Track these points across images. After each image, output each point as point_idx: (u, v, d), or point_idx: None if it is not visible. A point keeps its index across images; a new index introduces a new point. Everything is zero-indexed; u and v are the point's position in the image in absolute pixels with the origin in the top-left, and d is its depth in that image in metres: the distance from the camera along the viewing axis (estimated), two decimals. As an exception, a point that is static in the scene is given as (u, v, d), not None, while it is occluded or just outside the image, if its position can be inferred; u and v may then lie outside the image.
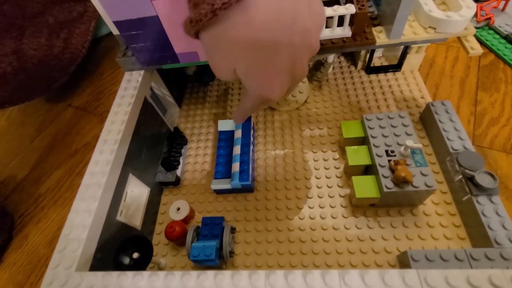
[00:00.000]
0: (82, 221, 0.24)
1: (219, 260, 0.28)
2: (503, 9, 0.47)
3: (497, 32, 0.46)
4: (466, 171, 0.28)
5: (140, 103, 0.33)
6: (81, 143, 0.47)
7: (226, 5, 0.16)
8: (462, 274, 0.18)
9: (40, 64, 0.47)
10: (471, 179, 0.28)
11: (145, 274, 0.20)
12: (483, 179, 0.27)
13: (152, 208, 0.34)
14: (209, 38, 0.19)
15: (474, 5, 0.27)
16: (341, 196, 0.33)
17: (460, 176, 0.29)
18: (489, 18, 0.46)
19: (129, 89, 0.32)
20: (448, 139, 0.31)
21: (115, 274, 0.21)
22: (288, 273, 0.19)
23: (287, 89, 0.22)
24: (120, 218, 0.28)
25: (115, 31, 0.30)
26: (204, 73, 0.46)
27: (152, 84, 0.37)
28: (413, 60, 0.41)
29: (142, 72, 0.34)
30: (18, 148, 0.49)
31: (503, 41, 0.45)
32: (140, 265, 0.25)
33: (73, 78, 0.54)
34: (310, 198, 0.33)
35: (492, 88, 0.41)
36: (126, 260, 0.25)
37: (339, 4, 0.29)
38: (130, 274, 0.21)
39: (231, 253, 0.29)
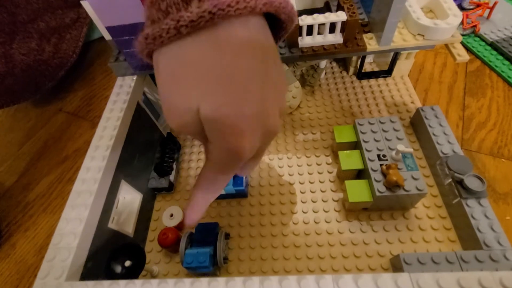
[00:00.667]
0: (73, 229, 0.23)
1: (213, 266, 0.28)
2: (488, 17, 0.49)
3: (482, 39, 0.47)
4: (456, 174, 0.28)
5: (132, 109, 0.33)
6: (72, 148, 0.46)
7: (195, 23, 0.13)
8: (453, 277, 0.18)
9: (28, 69, 0.47)
10: (460, 183, 0.28)
11: (138, 282, 0.20)
12: (472, 182, 0.27)
13: (145, 214, 0.34)
14: (166, 60, 0.15)
15: (460, 13, 0.28)
16: (334, 200, 0.33)
17: (450, 180, 0.29)
18: (475, 26, 0.47)
19: (122, 94, 0.32)
20: (438, 143, 0.32)
21: (106, 283, 0.20)
22: (283, 279, 0.19)
23: (257, 145, 0.17)
24: (111, 225, 0.27)
25: (108, 36, 0.29)
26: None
27: (145, 89, 0.37)
28: (403, 66, 0.42)
29: (134, 77, 0.34)
30: (6, 154, 0.47)
31: (488, 48, 0.46)
32: (132, 273, 0.24)
33: (64, 83, 0.53)
34: (304, 202, 0.33)
35: (479, 93, 0.42)
36: (118, 269, 0.24)
37: (330, 11, 0.30)
38: (122, 283, 0.20)
39: (225, 259, 0.29)
